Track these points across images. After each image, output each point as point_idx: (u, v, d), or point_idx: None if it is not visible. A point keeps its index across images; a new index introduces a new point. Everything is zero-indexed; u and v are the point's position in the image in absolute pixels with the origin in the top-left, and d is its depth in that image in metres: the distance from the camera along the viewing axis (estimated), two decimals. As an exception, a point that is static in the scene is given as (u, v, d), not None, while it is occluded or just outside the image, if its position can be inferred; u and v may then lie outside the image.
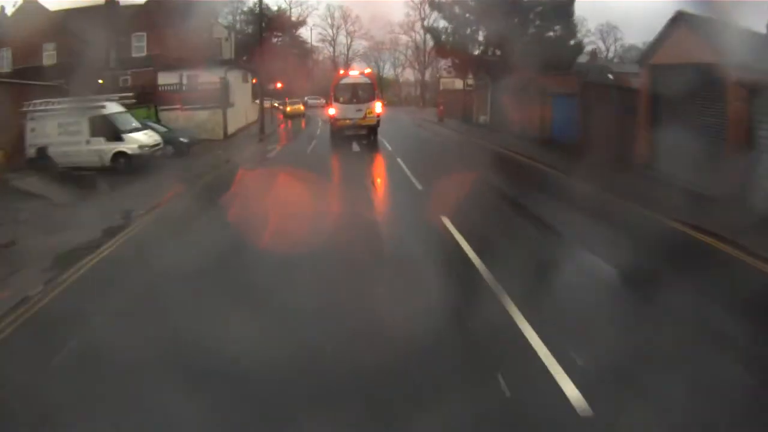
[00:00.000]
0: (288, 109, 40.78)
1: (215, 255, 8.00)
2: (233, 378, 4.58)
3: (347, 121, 23.34)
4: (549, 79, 20.83)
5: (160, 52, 27.33)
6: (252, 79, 32.96)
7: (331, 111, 23.80)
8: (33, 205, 11.76)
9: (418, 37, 62.28)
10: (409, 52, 66.09)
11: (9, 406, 4.35)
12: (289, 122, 37.32)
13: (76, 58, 20.58)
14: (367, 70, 28.10)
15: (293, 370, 4.67)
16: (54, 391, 4.56)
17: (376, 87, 25.09)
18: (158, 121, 21.56)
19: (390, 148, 21.22)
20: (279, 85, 45.96)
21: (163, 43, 26.67)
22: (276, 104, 46.24)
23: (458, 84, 39.59)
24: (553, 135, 20.70)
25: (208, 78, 25.69)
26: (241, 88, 30.19)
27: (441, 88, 45.30)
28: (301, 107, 41.36)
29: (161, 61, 27.05)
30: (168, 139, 19.04)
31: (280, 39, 55.46)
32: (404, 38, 65.21)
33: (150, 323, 5.90)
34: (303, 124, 35.91)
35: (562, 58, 23.35)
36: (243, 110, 30.32)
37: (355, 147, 21.79)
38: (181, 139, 20.35)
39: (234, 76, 28.22)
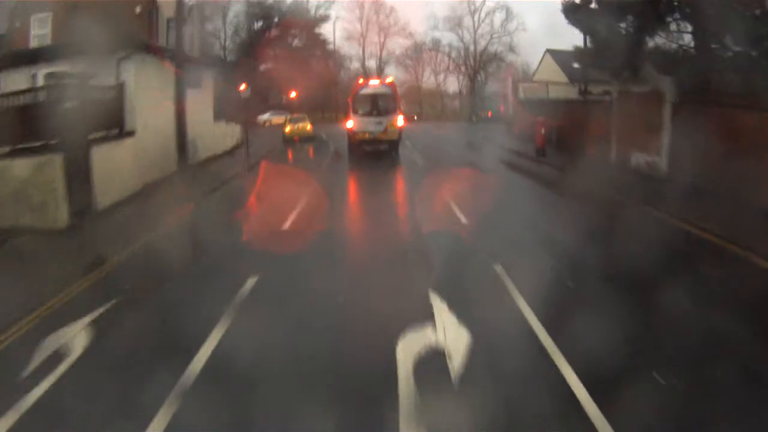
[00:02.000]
0: (287, 129, 27.66)
1: None
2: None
3: (366, 135, 21.70)
4: None
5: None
6: (242, 86, 23.20)
7: (350, 124, 22.15)
8: None
9: (467, 35, 55.15)
10: (455, 53, 56.96)
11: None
12: (289, 153, 24.32)
13: None
14: (389, 80, 26.55)
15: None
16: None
17: (398, 98, 23.44)
18: None
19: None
20: (293, 94, 42.95)
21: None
22: (276, 120, 38.58)
23: (556, 92, 28.41)
24: None
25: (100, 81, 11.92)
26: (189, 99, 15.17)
27: (519, 96, 30.01)
28: (308, 126, 28.20)
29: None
30: None
31: (296, 38, 49.38)
32: (448, 37, 61.31)
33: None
34: (311, 154, 23.72)
35: None
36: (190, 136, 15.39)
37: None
38: None
39: (152, 73, 14.11)
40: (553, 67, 35.48)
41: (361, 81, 25.40)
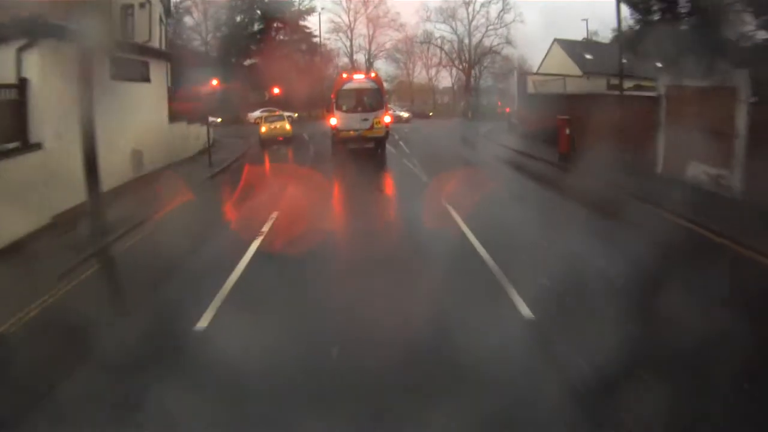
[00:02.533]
0: (262, 129, 24.15)
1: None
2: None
3: (351, 133, 20.30)
4: None
5: None
6: (214, 81, 22.77)
7: (333, 121, 20.56)
8: None
9: (461, 27, 51.56)
10: (448, 46, 53.00)
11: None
12: (266, 156, 21.05)
13: None
14: (374, 74, 23.68)
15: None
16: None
17: (384, 93, 21.77)
18: None
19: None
20: (276, 91, 39.97)
21: None
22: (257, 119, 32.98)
23: (573, 85, 24.52)
24: None
25: None
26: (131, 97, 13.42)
27: (529, 91, 26.21)
28: (286, 126, 24.46)
29: None
30: None
31: (280, 31, 45.94)
32: (441, 29, 52.66)
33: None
34: (290, 156, 21.21)
35: None
36: (128, 144, 13.18)
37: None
38: None
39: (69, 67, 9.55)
40: (562, 59, 32.04)
41: (344, 75, 22.70)
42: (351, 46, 49.11)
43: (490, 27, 53.46)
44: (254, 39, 44.79)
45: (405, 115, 39.42)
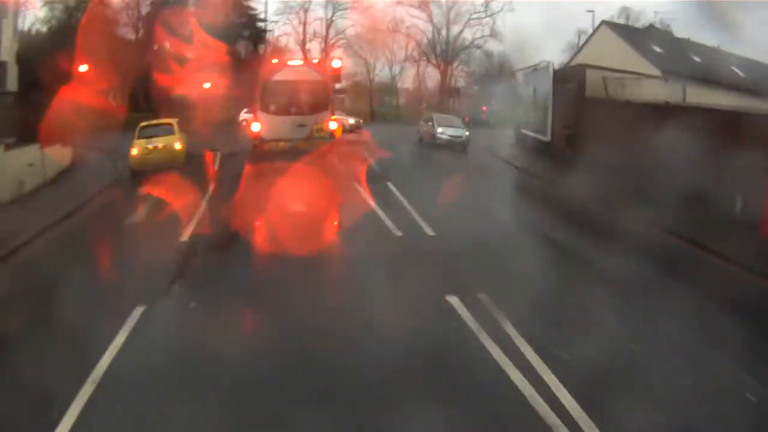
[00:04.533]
0: (133, 152, 14.64)
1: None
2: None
3: (280, 144, 14.60)
4: None
5: None
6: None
7: (255, 127, 14.86)
8: None
9: (438, 15, 43.28)
10: (420, 37, 44.48)
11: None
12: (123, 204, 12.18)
13: None
14: (316, 60, 16.83)
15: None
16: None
17: (330, 89, 15.59)
18: None
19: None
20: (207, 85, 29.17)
21: None
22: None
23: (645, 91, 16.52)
24: None
25: None
26: None
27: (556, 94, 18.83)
28: (175, 144, 15.03)
29: None
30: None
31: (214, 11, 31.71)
32: (415, 15, 43.43)
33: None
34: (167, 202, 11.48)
35: None
36: None
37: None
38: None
39: None
40: (615, 50, 23.20)
41: (275, 61, 15.60)
42: (304, 31, 40.15)
43: (474, 15, 46.22)
44: (175, 18, 37.03)
45: (351, 121, 28.47)
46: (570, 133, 17.70)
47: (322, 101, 14.81)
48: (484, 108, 41.50)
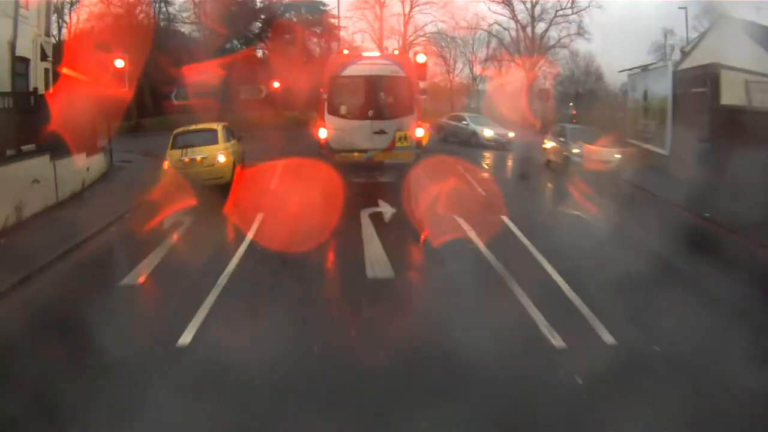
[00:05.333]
0: (165, 165, 11.46)
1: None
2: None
3: (354, 155, 11.49)
4: None
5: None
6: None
7: (322, 133, 11.62)
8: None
9: (521, 11, 39.78)
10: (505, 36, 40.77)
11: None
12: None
13: None
14: (397, 52, 13.16)
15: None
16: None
17: (415, 86, 11.86)
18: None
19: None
20: (276, 85, 29.70)
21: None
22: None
23: None
24: None
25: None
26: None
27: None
28: (218, 157, 11.50)
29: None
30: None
31: (288, 10, 34.95)
32: (497, 12, 40.03)
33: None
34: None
35: None
36: None
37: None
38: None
39: None
40: (737, 48, 18.74)
41: (346, 52, 11.90)
42: (380, 27, 36.25)
43: (560, 12, 42.33)
44: (255, 17, 35.01)
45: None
46: (706, 147, 13.15)
47: (406, 102, 11.16)
48: (575, 111, 37.55)
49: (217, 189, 11.10)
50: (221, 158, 11.46)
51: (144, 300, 6.51)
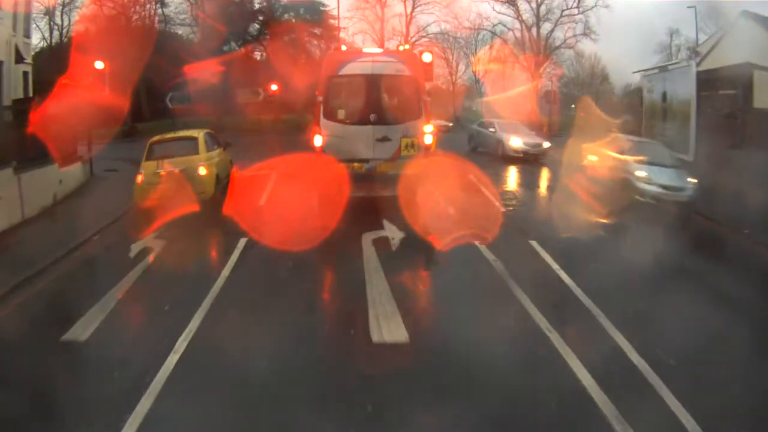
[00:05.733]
0: (139, 179, 9.80)
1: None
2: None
3: (354, 165, 9.74)
4: None
5: None
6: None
7: (318, 141, 9.90)
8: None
9: (527, 10, 38.29)
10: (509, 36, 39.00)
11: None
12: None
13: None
14: (403, 47, 11.69)
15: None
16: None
17: (422, 87, 10.22)
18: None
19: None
20: (274, 87, 27.86)
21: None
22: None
23: None
24: None
25: None
26: None
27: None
28: (198, 169, 10.10)
29: None
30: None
31: (287, 11, 33.74)
32: (501, 11, 38.53)
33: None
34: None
35: None
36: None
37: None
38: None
39: None
40: (762, 46, 17.27)
41: (344, 48, 10.37)
42: (381, 28, 34.82)
43: (566, 12, 41.12)
44: (253, 18, 33.70)
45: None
46: (737, 154, 11.79)
47: (412, 104, 9.78)
48: (582, 113, 36.41)
49: (197, 205, 9.72)
50: (202, 170, 10.07)
51: (86, 364, 5.08)
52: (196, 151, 10.19)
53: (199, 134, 10.68)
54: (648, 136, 16.37)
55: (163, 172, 9.59)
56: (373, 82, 9.66)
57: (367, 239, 8.11)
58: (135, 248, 8.09)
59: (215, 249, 8.02)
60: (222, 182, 10.67)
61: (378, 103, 9.63)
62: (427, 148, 9.78)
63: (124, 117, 24.00)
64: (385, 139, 9.56)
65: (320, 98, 9.70)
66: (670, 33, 42.03)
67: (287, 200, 10.25)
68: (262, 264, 7.27)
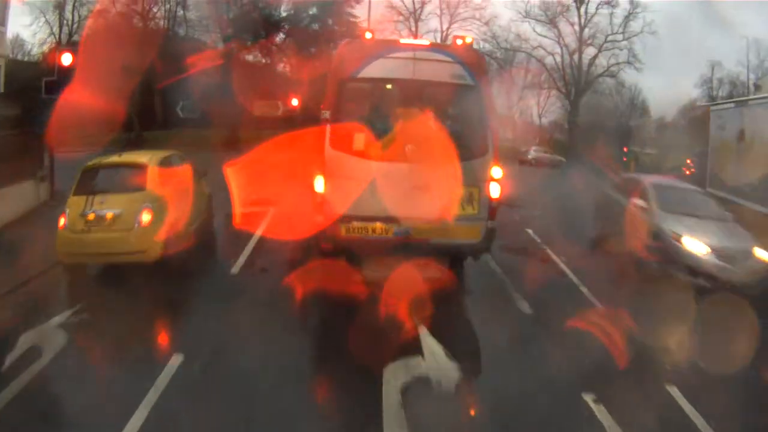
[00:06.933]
0: (60, 222, 6.24)
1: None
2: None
3: (377, 228, 5.31)
4: None
5: None
6: None
7: (320, 185, 5.47)
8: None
9: (568, 34, 34.96)
10: (548, 60, 35.45)
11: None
12: None
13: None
14: (461, 41, 6.96)
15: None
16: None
17: (490, 100, 5.94)
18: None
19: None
20: (295, 102, 24.53)
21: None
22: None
23: None
24: None
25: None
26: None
27: None
28: (141, 216, 6.32)
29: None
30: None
31: (315, 20, 30.96)
32: (542, 34, 35.18)
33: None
34: None
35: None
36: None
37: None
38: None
39: None
40: None
41: (368, 35, 6.38)
42: (415, 26, 32.51)
43: (610, 37, 36.86)
44: (278, 28, 30.33)
45: None
46: None
47: (476, 133, 5.77)
48: (626, 149, 32.26)
49: (135, 274, 5.73)
50: (144, 217, 6.08)
51: None
52: (143, 186, 6.38)
53: (151, 159, 6.74)
54: (716, 183, 13.81)
55: (91, 215, 6.08)
56: (412, 92, 5.64)
57: (392, 380, 3.97)
58: (25, 340, 4.21)
59: (143, 361, 4.03)
60: (188, 233, 6.62)
61: (420, 127, 5.54)
62: (495, 200, 5.64)
63: (120, 124, 20.95)
64: (429, 186, 5.44)
65: (326, 115, 5.67)
66: (712, 66, 37.69)
67: (271, 274, 6.14)
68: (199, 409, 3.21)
